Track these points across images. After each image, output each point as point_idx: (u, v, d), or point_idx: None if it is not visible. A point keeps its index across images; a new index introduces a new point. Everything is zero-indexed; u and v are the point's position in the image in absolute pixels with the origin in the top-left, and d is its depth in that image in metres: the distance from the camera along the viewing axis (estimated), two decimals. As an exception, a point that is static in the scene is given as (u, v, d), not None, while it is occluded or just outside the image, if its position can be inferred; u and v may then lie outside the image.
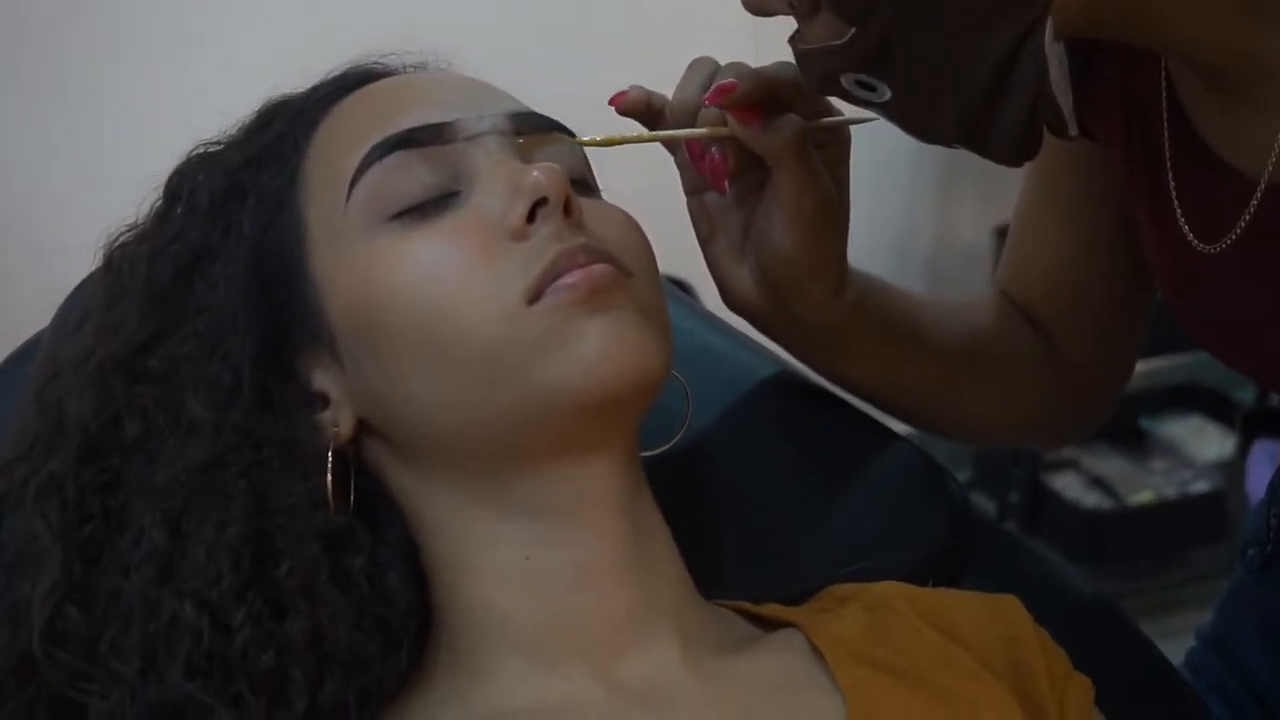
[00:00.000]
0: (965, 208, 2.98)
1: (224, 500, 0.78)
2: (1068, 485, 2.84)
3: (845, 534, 0.98)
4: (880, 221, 2.93)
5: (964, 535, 0.99)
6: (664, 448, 0.89)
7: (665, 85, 0.92)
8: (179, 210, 0.85)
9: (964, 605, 0.86)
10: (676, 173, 0.94)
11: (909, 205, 2.96)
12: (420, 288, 0.76)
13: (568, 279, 0.74)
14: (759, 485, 0.99)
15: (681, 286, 2.17)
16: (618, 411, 0.77)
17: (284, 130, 0.86)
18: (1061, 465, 2.88)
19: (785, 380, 1.02)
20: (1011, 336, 1.08)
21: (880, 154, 2.82)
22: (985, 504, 2.82)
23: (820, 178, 0.89)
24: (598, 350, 0.74)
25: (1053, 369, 1.08)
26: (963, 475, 2.91)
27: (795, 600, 0.89)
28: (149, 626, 0.75)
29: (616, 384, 0.74)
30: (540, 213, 0.76)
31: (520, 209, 0.76)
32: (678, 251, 0.97)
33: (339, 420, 0.81)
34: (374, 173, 0.79)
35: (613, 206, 0.83)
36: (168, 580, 0.76)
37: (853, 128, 0.93)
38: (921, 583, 0.90)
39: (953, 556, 0.98)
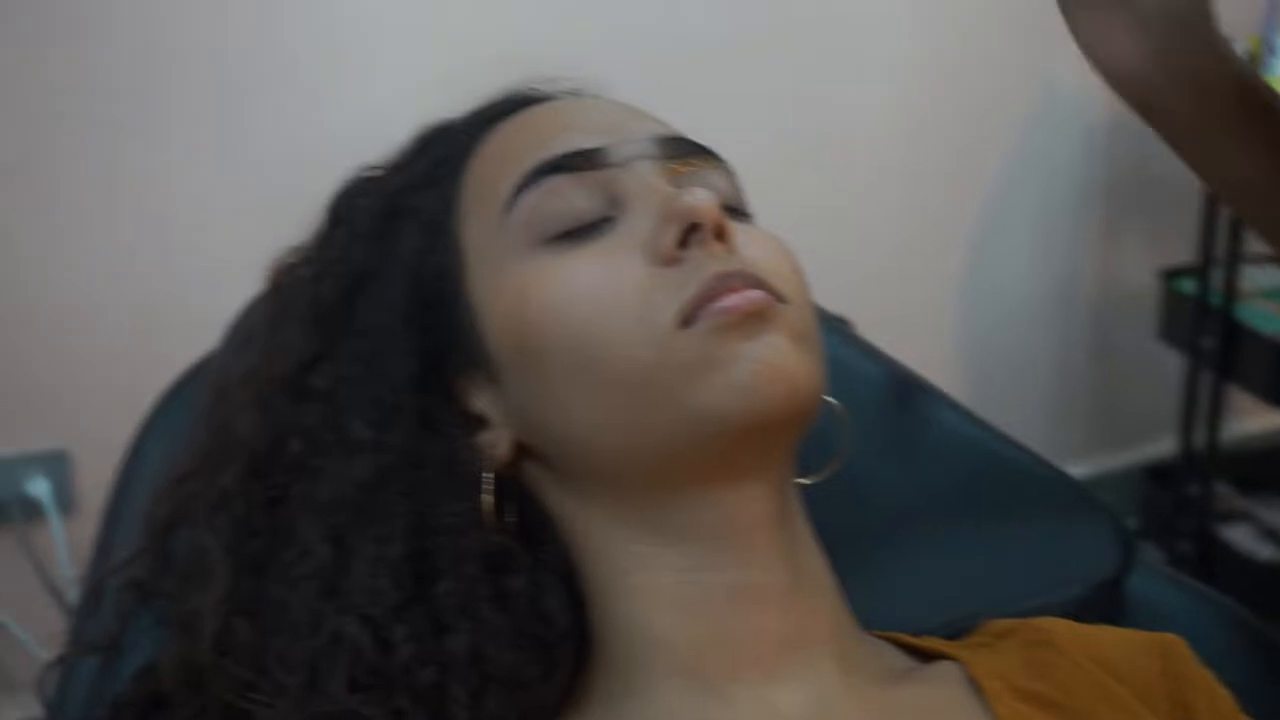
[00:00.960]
0: (1130, 251, 2.94)
1: (385, 518, 0.80)
2: (1240, 537, 2.76)
3: (1005, 569, 0.97)
4: (1044, 264, 2.90)
5: (1126, 573, 0.97)
6: (822, 475, 0.89)
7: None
8: (341, 233, 0.88)
9: (1125, 642, 0.84)
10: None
11: (1073, 248, 2.93)
12: (574, 310, 0.76)
13: (721, 303, 0.74)
14: (916, 517, 0.99)
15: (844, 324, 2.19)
16: (771, 436, 0.76)
17: (442, 155, 0.88)
18: (1234, 516, 2.80)
19: (946, 412, 1.01)
20: None
21: (1044, 197, 2.82)
22: (1154, 554, 2.76)
23: None
24: (751, 375, 0.73)
25: None
26: (1130, 524, 2.86)
27: (953, 635, 0.88)
28: (313, 640, 0.77)
29: (770, 408, 0.74)
30: (693, 237, 0.76)
31: (672, 234, 0.76)
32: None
33: (497, 442, 0.82)
34: (529, 197, 0.80)
35: (766, 232, 0.83)
36: (331, 595, 0.78)
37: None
38: (1082, 621, 0.88)
39: (1115, 595, 0.96)
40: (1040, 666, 0.82)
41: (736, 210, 0.84)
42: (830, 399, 0.87)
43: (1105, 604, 0.95)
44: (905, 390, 1.03)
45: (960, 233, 2.83)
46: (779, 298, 0.77)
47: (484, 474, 0.82)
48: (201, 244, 2.28)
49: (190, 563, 0.81)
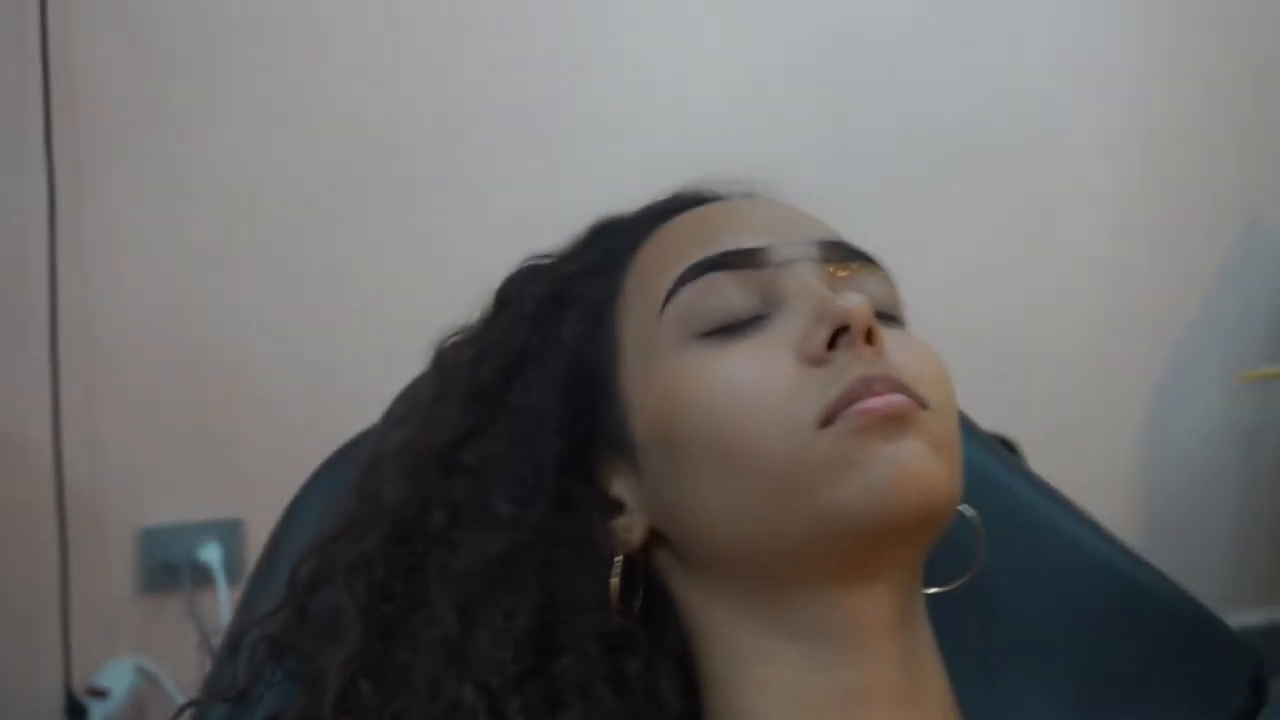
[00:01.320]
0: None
1: (515, 591, 0.82)
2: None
3: (1134, 698, 0.95)
4: (1234, 408, 2.85)
5: (1258, 707, 0.95)
6: (953, 585, 0.89)
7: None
8: (506, 316, 0.91)
9: None
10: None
11: (1266, 395, 2.87)
12: (718, 403, 0.78)
13: (862, 405, 0.75)
14: (1047, 639, 0.97)
15: (1008, 445, 2.16)
16: (901, 539, 0.77)
17: (610, 246, 0.90)
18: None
19: (1088, 539, 1.00)
20: None
21: (1238, 341, 2.76)
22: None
23: None
24: (888, 477, 0.74)
25: None
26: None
27: None
28: (432, 705, 0.79)
29: (902, 512, 0.74)
30: (842, 340, 0.78)
31: (822, 335, 0.78)
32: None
33: (632, 527, 0.84)
34: (688, 291, 0.82)
35: (917, 340, 0.84)
36: (454, 663, 0.80)
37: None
38: None
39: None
40: None
41: (890, 317, 0.85)
42: (967, 509, 0.87)
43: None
44: (1049, 513, 1.01)
45: (1149, 378, 2.80)
46: (921, 404, 0.78)
47: (616, 557, 0.83)
48: (379, 323, 2.35)
49: (325, 621, 0.84)
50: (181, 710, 0.86)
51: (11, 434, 2.31)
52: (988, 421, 1.03)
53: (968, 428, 1.03)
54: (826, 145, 2.48)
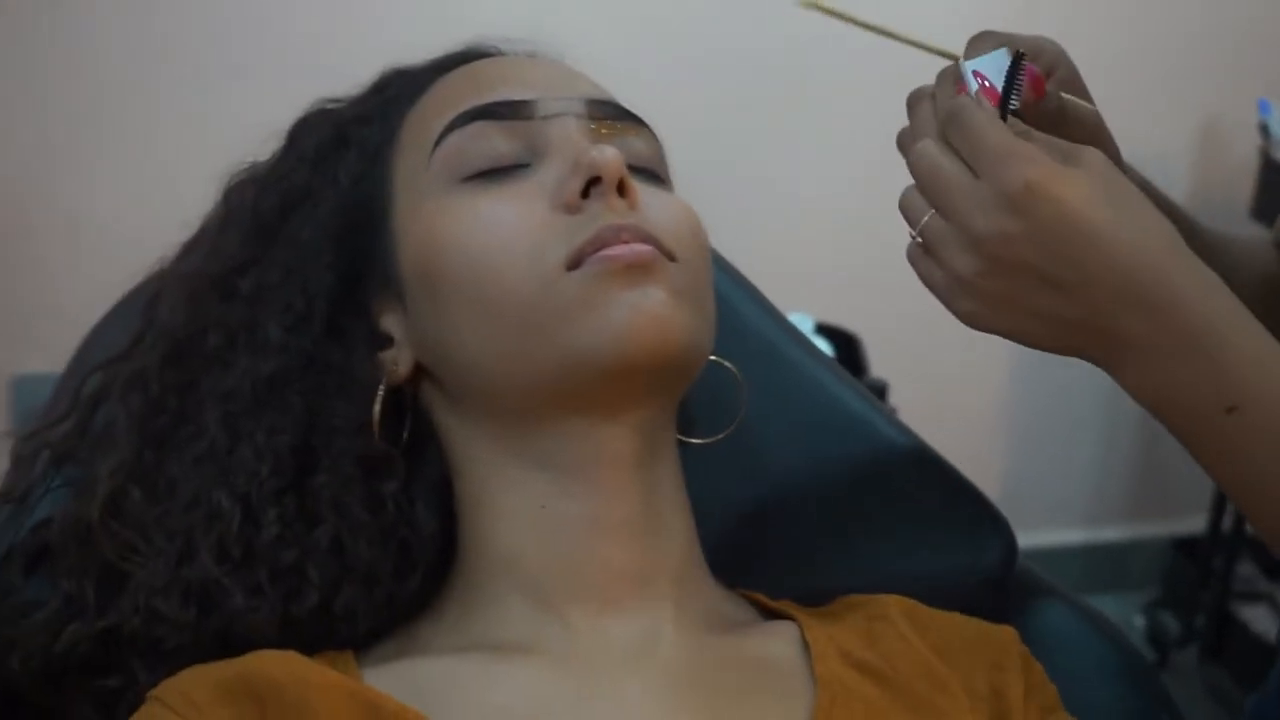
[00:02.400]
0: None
1: (280, 412, 0.87)
2: (1257, 617, 2.74)
3: (885, 557, 1.02)
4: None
5: (1005, 577, 1.01)
6: (711, 439, 0.94)
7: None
8: (291, 154, 0.95)
9: (960, 628, 0.89)
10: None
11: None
12: (474, 244, 0.83)
13: (607, 252, 0.80)
14: (811, 494, 1.03)
15: (851, 341, 2.23)
16: (638, 380, 0.82)
17: (394, 94, 0.94)
18: (1255, 597, 2.79)
19: (850, 398, 1.05)
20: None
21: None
22: (1170, 622, 2.77)
23: None
24: (624, 320, 0.79)
25: None
26: (1151, 593, 2.87)
27: (814, 603, 0.92)
28: (193, 513, 0.84)
29: (637, 355, 0.79)
30: (595, 190, 0.82)
31: (576, 183, 0.82)
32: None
33: (399, 360, 0.89)
34: (455, 138, 0.86)
35: (674, 198, 0.88)
36: (217, 475, 0.85)
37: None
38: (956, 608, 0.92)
39: (991, 601, 0.99)
40: (873, 638, 0.87)
41: (652, 174, 0.89)
42: (725, 362, 0.92)
43: (985, 605, 0.98)
44: (814, 372, 1.07)
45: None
46: (669, 255, 0.82)
47: (381, 386, 0.88)
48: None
49: (101, 433, 0.88)
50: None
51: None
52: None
53: (748, 291, 1.09)
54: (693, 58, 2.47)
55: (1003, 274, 0.76)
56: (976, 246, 0.77)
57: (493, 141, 0.86)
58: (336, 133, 0.94)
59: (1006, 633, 0.89)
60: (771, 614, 0.91)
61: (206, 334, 0.89)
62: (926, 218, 0.79)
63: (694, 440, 0.93)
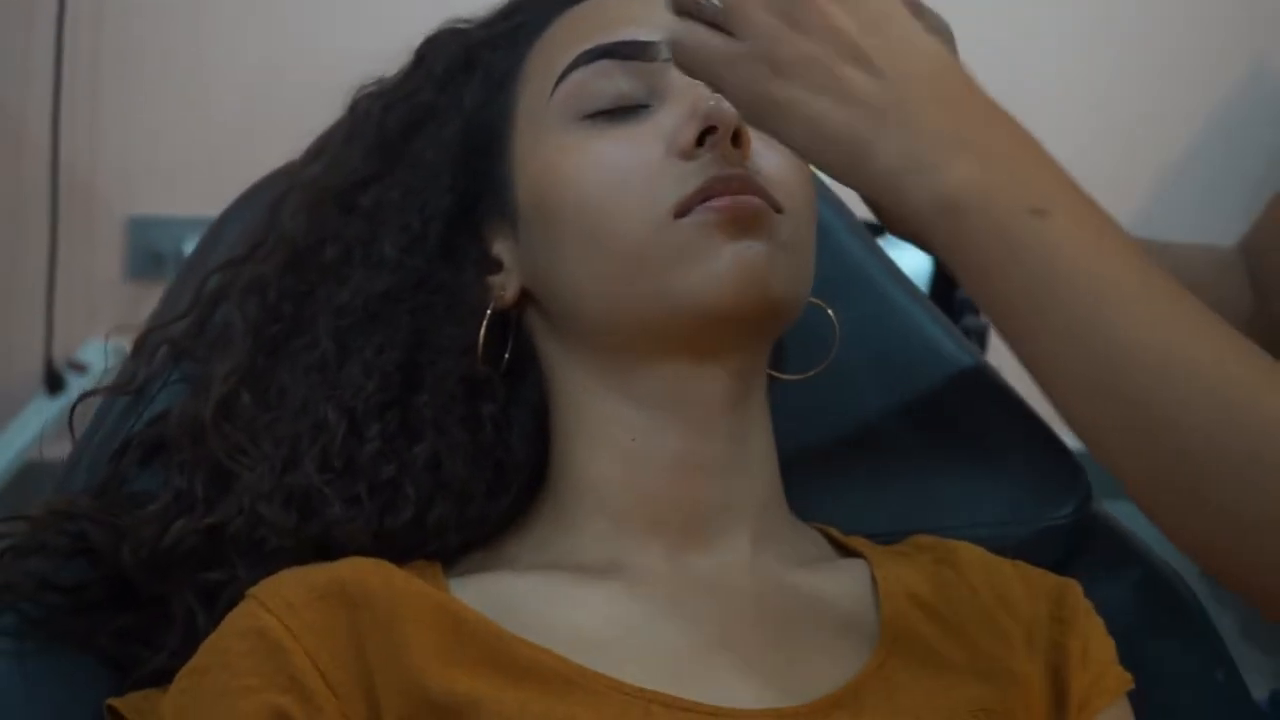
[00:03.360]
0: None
1: (390, 329, 0.90)
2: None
3: (962, 498, 1.03)
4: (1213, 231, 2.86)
5: (1078, 530, 1.03)
6: (800, 376, 0.96)
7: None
8: (420, 73, 0.97)
9: (1025, 578, 0.92)
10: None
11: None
12: (589, 183, 0.85)
13: (716, 202, 0.82)
14: (893, 433, 1.05)
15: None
16: (735, 328, 0.84)
17: (522, 21, 0.96)
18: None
19: (945, 342, 1.07)
20: (1223, 295, 1.07)
21: (1229, 171, 2.76)
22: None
23: None
24: (725, 271, 0.82)
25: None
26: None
27: (888, 540, 0.95)
28: (300, 421, 0.87)
29: (736, 303, 0.82)
30: (709, 138, 0.84)
31: (691, 131, 0.84)
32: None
33: (506, 285, 0.92)
34: (578, 74, 0.88)
35: (789, 151, 0.89)
36: (325, 386, 0.88)
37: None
38: (1024, 559, 0.95)
39: (1062, 547, 1.02)
40: (939, 581, 0.90)
41: None
42: (824, 305, 0.94)
43: (1054, 547, 1.01)
44: (911, 312, 1.08)
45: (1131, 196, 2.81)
46: (776, 207, 0.84)
47: (488, 310, 0.91)
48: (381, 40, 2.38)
49: (218, 334, 0.92)
50: (82, 397, 0.95)
51: (11, 106, 2.37)
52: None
53: (853, 227, 1.10)
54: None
55: (810, 37, 0.71)
56: (788, 6, 0.72)
57: (615, 81, 0.87)
58: (464, 55, 0.96)
59: (1070, 586, 0.92)
60: (844, 549, 0.94)
61: (325, 245, 0.92)
62: None
63: (785, 377, 0.96)
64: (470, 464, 0.88)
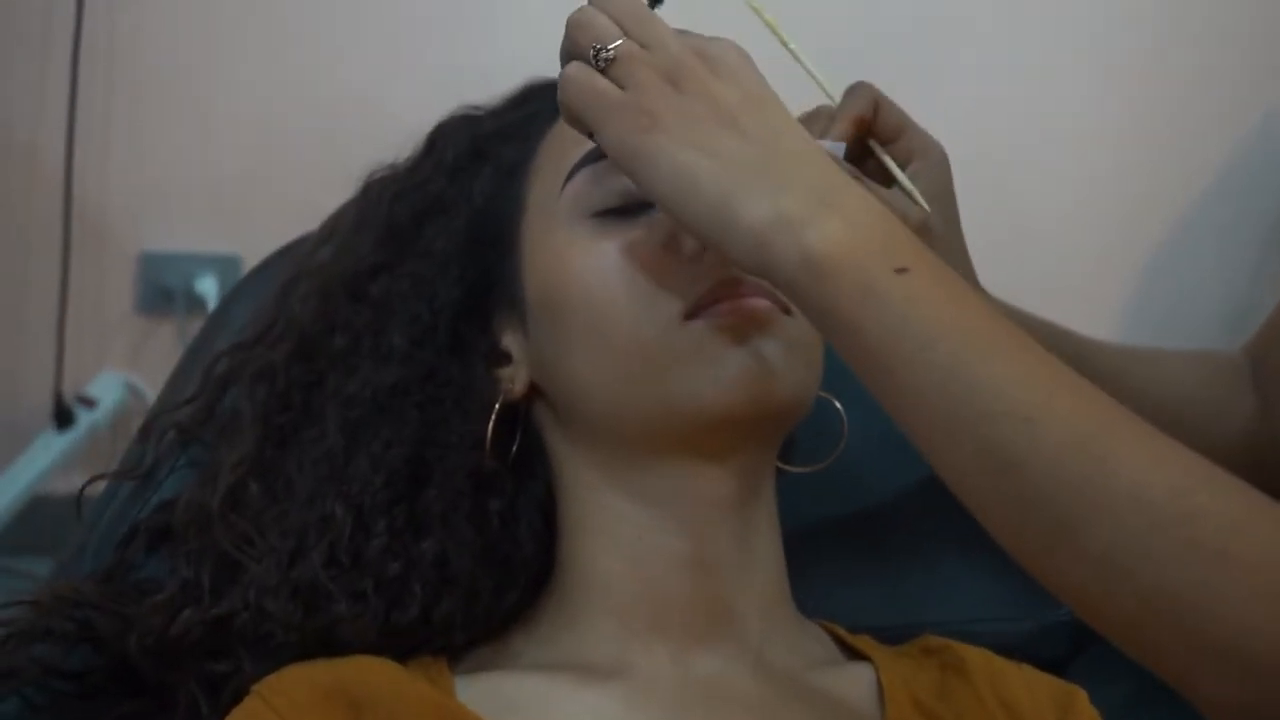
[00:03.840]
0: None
1: (398, 423, 0.90)
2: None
3: (968, 591, 1.03)
4: (1224, 294, 2.85)
5: (1083, 626, 1.03)
6: (807, 469, 0.97)
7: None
8: (430, 161, 0.97)
9: (1031, 684, 0.91)
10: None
11: (1256, 283, 2.87)
12: (598, 282, 0.85)
13: (724, 305, 0.82)
14: (899, 523, 1.05)
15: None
16: (741, 431, 0.84)
17: (534, 111, 0.96)
18: None
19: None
20: (1226, 400, 1.09)
21: (1237, 227, 2.75)
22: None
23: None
24: (733, 375, 0.81)
25: (1264, 451, 1.07)
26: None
27: (894, 634, 0.95)
28: (307, 514, 0.87)
29: (743, 408, 0.82)
30: None
31: None
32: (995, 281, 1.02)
33: (515, 378, 0.92)
34: (588, 171, 0.88)
35: None
36: (333, 479, 0.88)
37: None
38: (1027, 654, 0.95)
39: (1067, 641, 1.01)
40: (946, 690, 0.89)
41: None
42: (833, 400, 0.94)
43: (1057, 643, 1.01)
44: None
45: (1144, 246, 2.80)
46: (783, 308, 0.84)
47: (497, 403, 0.91)
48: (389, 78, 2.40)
49: (227, 420, 0.92)
50: (90, 482, 0.95)
51: (25, 140, 2.38)
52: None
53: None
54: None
55: (689, 99, 0.75)
56: (675, 70, 0.75)
57: (623, 179, 0.87)
58: (475, 145, 0.96)
59: (1077, 694, 0.92)
60: (850, 650, 0.94)
61: (334, 333, 0.93)
62: (620, 41, 0.76)
63: (793, 469, 0.96)
64: (477, 560, 0.88)
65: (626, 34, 0.76)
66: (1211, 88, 2.63)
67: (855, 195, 0.73)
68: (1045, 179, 2.61)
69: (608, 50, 0.76)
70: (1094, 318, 2.80)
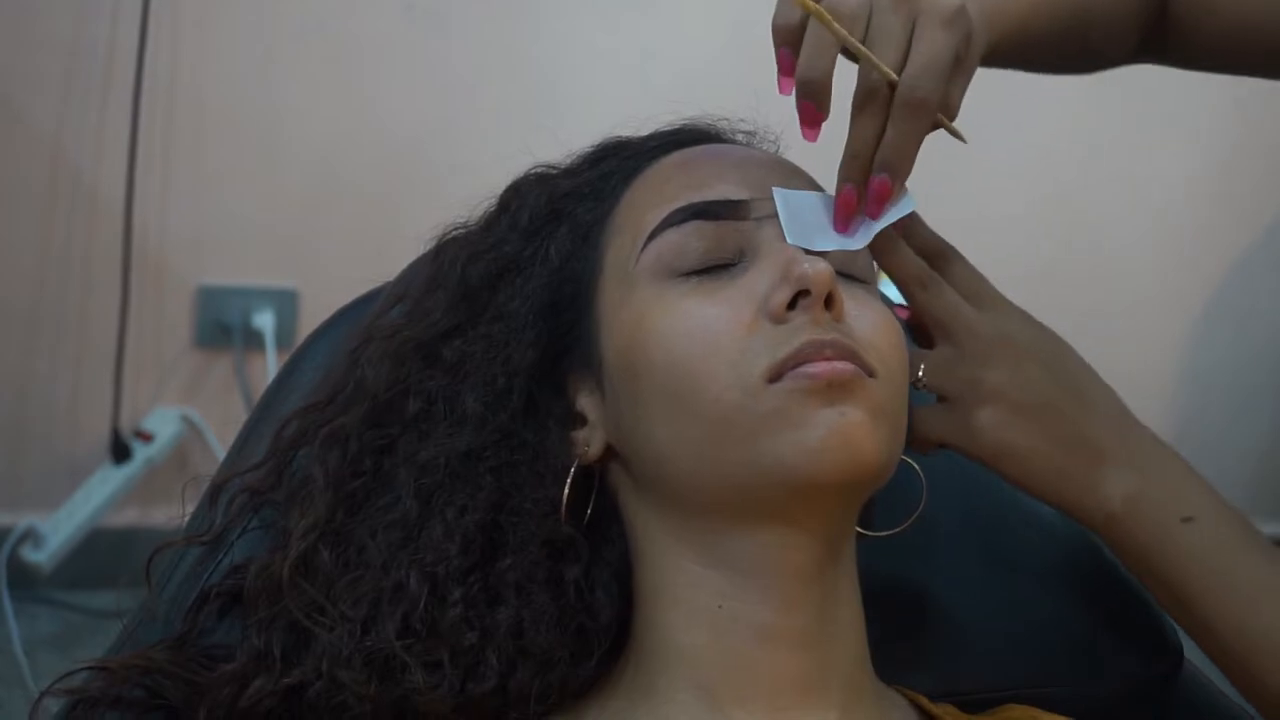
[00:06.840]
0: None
1: (472, 489, 0.88)
2: None
3: (1051, 653, 1.01)
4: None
5: (1172, 678, 1.01)
6: (894, 532, 0.95)
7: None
8: (504, 222, 0.95)
9: None
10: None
11: None
12: (679, 344, 0.83)
13: (809, 368, 0.80)
14: (980, 588, 1.03)
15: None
16: (825, 497, 0.82)
17: (610, 170, 0.95)
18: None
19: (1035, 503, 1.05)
20: None
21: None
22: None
23: None
24: (820, 440, 0.79)
25: None
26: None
27: (977, 702, 0.93)
28: (381, 582, 0.86)
29: (829, 474, 0.80)
30: (802, 301, 0.82)
31: (783, 295, 0.82)
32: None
33: (591, 441, 0.90)
34: (669, 234, 0.86)
35: (878, 306, 0.87)
36: (406, 547, 0.87)
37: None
38: (1117, 713, 0.93)
39: (1160, 695, 0.99)
40: None
41: (856, 278, 0.89)
42: (913, 462, 0.92)
43: (1144, 702, 0.99)
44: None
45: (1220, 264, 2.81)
46: (868, 371, 0.82)
47: (571, 467, 0.89)
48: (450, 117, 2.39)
49: (298, 485, 0.91)
50: (159, 550, 0.94)
51: (86, 174, 2.39)
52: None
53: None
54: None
55: (1029, 392, 0.91)
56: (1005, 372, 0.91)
57: (706, 239, 0.86)
58: (550, 205, 0.95)
59: None
60: (932, 719, 0.91)
61: (407, 397, 0.91)
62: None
63: (874, 534, 0.94)
64: (553, 630, 0.86)
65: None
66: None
67: (1142, 440, 0.89)
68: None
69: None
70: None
